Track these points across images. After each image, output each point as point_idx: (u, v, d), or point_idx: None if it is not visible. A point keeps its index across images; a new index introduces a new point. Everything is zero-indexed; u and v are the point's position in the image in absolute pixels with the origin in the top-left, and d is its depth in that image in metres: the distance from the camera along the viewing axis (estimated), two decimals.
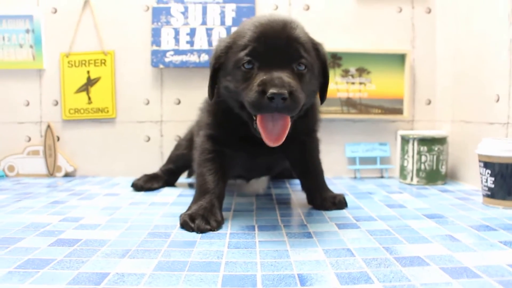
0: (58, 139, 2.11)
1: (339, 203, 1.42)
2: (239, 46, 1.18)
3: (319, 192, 1.46)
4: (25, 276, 0.84)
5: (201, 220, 1.17)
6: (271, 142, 1.12)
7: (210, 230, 1.16)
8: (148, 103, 2.08)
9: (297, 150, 1.45)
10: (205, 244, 1.04)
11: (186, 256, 0.96)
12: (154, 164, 2.04)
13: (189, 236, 1.12)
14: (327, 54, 1.32)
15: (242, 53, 1.16)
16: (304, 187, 1.50)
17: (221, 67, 1.25)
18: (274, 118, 1.13)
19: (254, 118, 1.16)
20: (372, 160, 2.07)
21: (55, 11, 2.08)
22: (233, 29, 1.97)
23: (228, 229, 1.18)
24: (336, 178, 2.03)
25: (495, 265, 0.89)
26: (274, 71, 1.12)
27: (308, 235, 1.11)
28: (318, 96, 1.37)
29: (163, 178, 1.84)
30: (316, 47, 1.26)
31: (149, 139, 2.09)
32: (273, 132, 1.13)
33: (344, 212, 1.37)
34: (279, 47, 1.14)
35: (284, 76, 1.11)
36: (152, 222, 1.25)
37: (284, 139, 1.13)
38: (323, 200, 1.43)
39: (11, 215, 1.34)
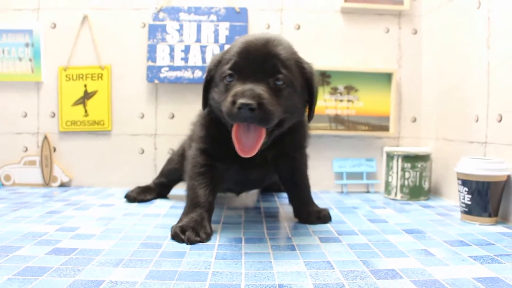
0: (55, 150, 2.17)
1: (323, 217, 1.49)
2: (225, 60, 1.27)
3: (304, 206, 1.52)
4: (24, 283, 0.90)
5: (191, 232, 1.23)
6: (243, 153, 1.20)
7: (200, 241, 1.22)
8: (143, 116, 2.15)
9: (286, 165, 1.50)
10: (194, 255, 1.11)
11: (176, 266, 1.02)
12: (148, 176, 2.10)
13: (179, 247, 1.18)
14: (314, 73, 1.36)
15: (226, 67, 1.24)
16: (291, 201, 1.56)
17: (212, 79, 1.34)
18: (248, 130, 1.21)
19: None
20: (359, 175, 2.14)
21: (54, 26, 2.15)
22: (226, 47, 2.05)
23: (216, 240, 1.24)
24: (323, 192, 2.09)
25: (463, 278, 0.95)
26: (249, 83, 1.19)
27: (292, 248, 1.18)
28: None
29: (155, 190, 1.90)
30: (300, 65, 1.31)
31: (143, 151, 2.15)
32: (246, 143, 1.20)
33: (328, 226, 1.44)
34: (257, 62, 1.21)
35: (257, 88, 1.17)
36: (145, 233, 1.31)
37: (256, 151, 1.20)
38: (308, 214, 1.50)
39: (9, 224, 1.40)
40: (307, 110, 1.38)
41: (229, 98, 1.17)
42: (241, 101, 1.13)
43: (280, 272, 0.98)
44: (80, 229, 1.35)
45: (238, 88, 1.18)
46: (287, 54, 1.26)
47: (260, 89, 1.17)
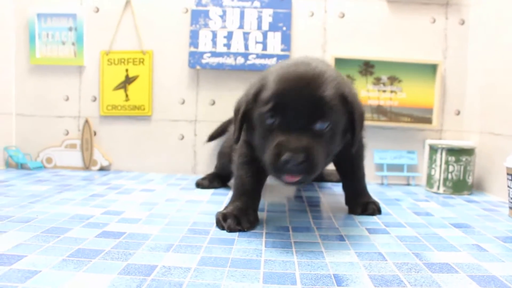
0: (95, 133, 2.19)
1: (371, 210, 1.47)
2: (264, 98, 1.14)
3: (354, 197, 1.52)
4: (78, 265, 0.90)
5: (232, 220, 1.22)
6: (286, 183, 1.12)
7: (240, 230, 1.21)
8: (183, 102, 2.14)
9: (342, 155, 1.43)
10: (243, 243, 1.10)
11: (227, 253, 1.02)
12: (187, 162, 2.11)
13: (227, 234, 1.17)
14: (357, 103, 1.24)
15: (265, 108, 1.12)
16: (343, 189, 1.55)
17: (248, 113, 1.23)
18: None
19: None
20: (399, 168, 2.11)
21: (97, 10, 2.16)
22: (269, 34, 2.03)
23: (263, 229, 1.23)
24: None
25: None
26: (293, 132, 1.08)
27: (341, 238, 1.16)
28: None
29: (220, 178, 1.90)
30: (344, 100, 1.17)
31: (183, 137, 2.15)
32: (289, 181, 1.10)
33: (374, 217, 1.42)
34: (300, 105, 1.09)
35: (303, 139, 1.07)
36: (190, 219, 1.31)
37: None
38: (356, 205, 1.49)
39: (56, 206, 1.41)
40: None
41: (273, 150, 1.07)
42: (288, 156, 1.03)
43: (332, 262, 0.97)
44: (125, 213, 1.36)
45: (281, 137, 1.08)
46: (332, 94, 1.13)
47: (306, 139, 1.07)
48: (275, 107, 1.10)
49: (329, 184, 2.02)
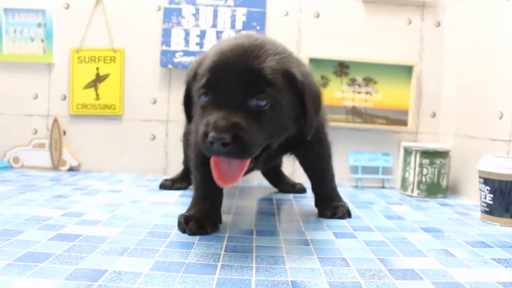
0: (64, 133, 2.13)
1: (340, 213, 1.42)
2: (199, 74, 1.07)
3: (323, 199, 1.47)
4: (23, 269, 0.85)
5: (194, 223, 1.17)
6: (222, 183, 1.03)
7: (203, 234, 1.16)
8: (155, 102, 2.10)
9: (305, 155, 1.43)
10: (203, 246, 1.06)
11: (184, 257, 0.97)
12: (158, 163, 2.06)
13: (187, 237, 1.13)
14: (309, 83, 1.12)
15: (200, 84, 1.04)
16: (313, 191, 1.51)
17: (190, 94, 1.17)
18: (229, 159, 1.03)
19: None
20: (374, 170, 2.08)
21: (68, 7, 2.10)
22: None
23: (226, 232, 1.20)
24: (338, 186, 2.03)
25: (487, 282, 0.90)
26: (224, 109, 0.99)
27: (305, 242, 1.13)
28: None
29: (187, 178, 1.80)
30: (290, 76, 1.07)
31: (154, 137, 2.11)
32: (226, 173, 1.03)
33: (343, 221, 1.38)
34: (233, 80, 1.00)
35: (232, 117, 0.97)
36: (152, 221, 1.27)
37: (239, 179, 1.04)
38: (324, 208, 1.45)
39: (14, 207, 1.36)
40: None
41: (202, 128, 0.99)
42: (212, 135, 0.95)
43: (293, 268, 0.93)
44: (86, 214, 1.31)
45: (211, 115, 0.99)
46: (272, 67, 1.02)
47: (237, 116, 0.98)
48: (208, 83, 1.02)
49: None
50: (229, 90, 1.00)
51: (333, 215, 1.42)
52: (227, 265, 0.94)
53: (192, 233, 1.16)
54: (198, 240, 1.11)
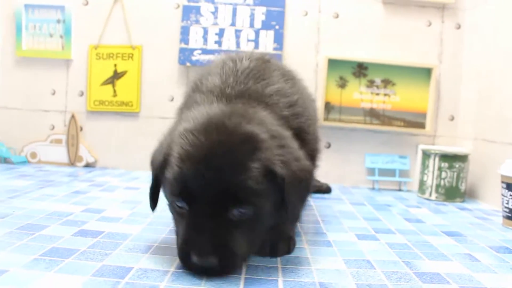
0: (81, 129, 2.14)
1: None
2: (168, 177, 0.90)
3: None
4: (50, 264, 0.85)
5: None
6: None
7: None
8: (172, 99, 2.10)
9: None
10: None
11: None
12: None
13: None
14: (293, 173, 0.90)
15: (171, 189, 0.89)
16: None
17: (159, 181, 0.98)
18: None
19: None
20: (391, 172, 2.07)
21: (87, 3, 2.11)
22: (261, 32, 1.99)
23: None
24: (354, 187, 2.03)
25: None
26: (203, 222, 0.85)
27: (328, 244, 1.12)
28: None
29: None
30: (272, 175, 0.87)
31: None
32: None
33: (363, 222, 1.37)
34: (210, 193, 0.84)
35: (215, 233, 0.84)
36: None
37: None
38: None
39: (35, 202, 1.36)
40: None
41: (181, 245, 0.88)
42: (195, 259, 0.83)
43: (318, 269, 0.92)
44: (106, 211, 1.31)
45: (189, 230, 0.86)
46: (253, 175, 0.85)
47: (219, 231, 0.84)
48: (182, 191, 0.86)
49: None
50: (205, 203, 0.84)
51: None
52: (252, 265, 0.93)
53: None
54: None
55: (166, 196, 0.95)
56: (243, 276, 0.86)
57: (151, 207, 1.03)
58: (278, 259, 0.98)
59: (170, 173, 0.88)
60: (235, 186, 0.84)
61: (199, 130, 0.89)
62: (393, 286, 0.86)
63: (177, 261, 0.92)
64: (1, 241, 0.98)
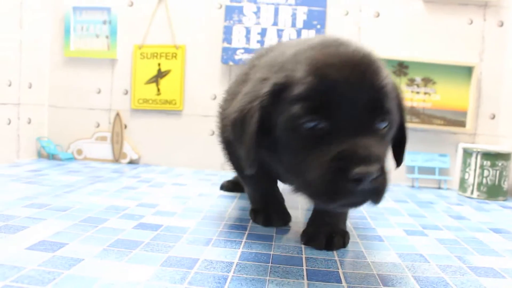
0: (126, 127, 2.19)
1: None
2: (296, 95, 0.80)
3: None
4: (120, 255, 0.90)
5: (261, 216, 1.21)
6: None
7: (269, 226, 1.19)
8: (215, 98, 2.14)
9: None
10: (282, 239, 1.09)
11: (267, 249, 1.00)
12: (216, 158, 2.10)
13: (265, 230, 1.16)
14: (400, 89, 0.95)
15: (299, 107, 0.79)
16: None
17: (264, 121, 0.85)
18: None
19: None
20: (430, 171, 2.08)
21: (131, 4, 2.16)
22: (303, 32, 2.02)
23: (300, 226, 1.22)
24: (394, 185, 2.05)
25: None
26: (356, 136, 0.77)
27: (379, 239, 1.15)
28: None
29: None
30: (396, 91, 0.91)
31: (213, 133, 2.15)
32: None
33: (409, 218, 1.39)
34: (354, 100, 0.78)
35: (372, 145, 0.77)
36: (225, 214, 1.30)
37: None
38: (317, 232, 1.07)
39: (90, 196, 1.41)
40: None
41: (332, 165, 0.76)
42: (360, 170, 0.73)
43: (375, 262, 0.95)
44: (159, 206, 1.36)
45: (339, 145, 0.76)
46: (390, 83, 0.85)
47: (373, 144, 0.78)
48: (324, 104, 0.77)
49: None
50: (352, 114, 0.78)
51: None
52: (311, 257, 0.96)
53: (262, 225, 1.19)
54: (276, 233, 1.14)
55: (283, 126, 0.82)
56: (304, 267, 0.90)
57: (248, 166, 0.89)
58: (335, 252, 1.01)
59: (297, 89, 0.79)
60: (383, 95, 0.80)
61: (319, 45, 0.84)
62: (450, 279, 0.88)
63: (239, 253, 0.96)
64: (68, 232, 1.03)
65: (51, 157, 2.16)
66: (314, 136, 0.78)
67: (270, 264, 0.90)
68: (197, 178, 1.89)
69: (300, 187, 0.84)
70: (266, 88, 0.85)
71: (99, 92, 2.20)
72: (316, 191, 0.79)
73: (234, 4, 2.08)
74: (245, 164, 0.89)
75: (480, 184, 1.84)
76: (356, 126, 0.78)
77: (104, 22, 2.16)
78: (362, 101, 0.78)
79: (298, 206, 1.48)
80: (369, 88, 0.79)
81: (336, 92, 0.77)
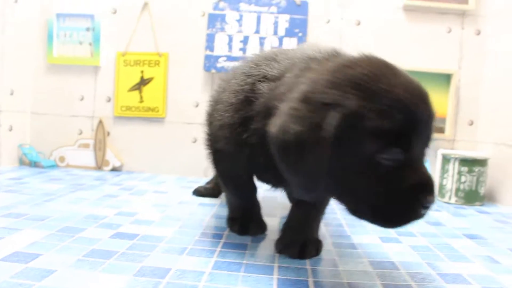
0: (108, 134, 2.20)
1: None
2: (373, 127, 0.76)
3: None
4: (94, 265, 0.91)
5: (238, 225, 1.23)
6: None
7: (245, 235, 1.21)
8: (197, 105, 2.15)
9: None
10: (256, 248, 1.10)
11: (241, 258, 1.02)
12: (199, 165, 2.11)
13: (240, 238, 1.18)
14: None
15: (378, 140, 0.76)
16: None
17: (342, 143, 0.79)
18: None
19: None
20: None
21: (115, 12, 2.17)
22: (285, 40, 2.03)
23: (276, 234, 1.24)
24: None
25: None
26: (421, 164, 0.82)
27: (354, 246, 1.17)
28: None
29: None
30: None
31: (196, 140, 2.16)
32: None
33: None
34: (426, 131, 0.81)
35: (426, 171, 0.82)
36: (203, 223, 1.32)
37: None
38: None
39: (69, 205, 1.42)
40: None
41: (406, 193, 0.78)
42: (431, 199, 0.79)
43: (346, 271, 0.97)
44: (138, 214, 1.37)
45: (413, 173, 0.79)
46: None
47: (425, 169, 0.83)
48: (402, 139, 0.77)
49: None
50: (422, 143, 0.81)
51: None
52: (283, 266, 0.98)
53: (237, 233, 1.21)
54: (251, 242, 1.15)
55: (351, 154, 0.79)
56: (275, 276, 0.91)
57: (309, 188, 0.83)
58: (307, 261, 1.03)
59: (379, 123, 0.75)
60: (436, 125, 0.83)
61: (386, 72, 0.83)
62: (417, 286, 0.90)
63: (213, 262, 0.97)
64: (44, 242, 1.04)
65: (33, 164, 2.16)
66: (387, 166, 0.78)
67: (241, 273, 0.92)
68: (179, 186, 1.90)
69: (364, 211, 0.83)
70: (334, 118, 0.77)
71: (82, 99, 2.21)
72: (389, 216, 0.81)
73: (217, 12, 2.10)
74: (303, 191, 0.85)
75: (457, 189, 1.86)
76: (422, 154, 0.82)
77: (88, 29, 2.17)
78: (429, 131, 0.82)
79: (276, 214, 1.49)
80: (433, 118, 0.81)
81: (417, 126, 0.78)
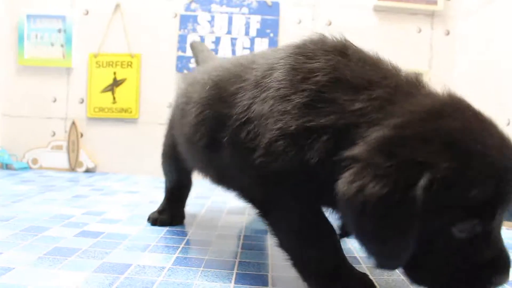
0: (82, 135, 2.19)
1: None
2: (467, 195, 0.65)
3: None
4: (54, 262, 0.91)
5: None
6: None
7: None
8: (170, 106, 2.15)
9: None
10: (220, 245, 1.11)
11: (203, 254, 1.02)
12: None
13: (205, 235, 1.18)
14: None
15: (463, 209, 0.66)
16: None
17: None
18: None
19: None
20: None
21: (87, 13, 2.17)
22: (256, 40, 2.04)
23: (242, 231, 1.25)
24: None
25: None
26: (499, 237, 0.72)
27: None
28: None
29: None
30: None
31: None
32: None
33: None
34: None
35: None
36: None
37: None
38: None
39: (37, 205, 1.42)
40: None
41: (476, 270, 0.70)
42: (500, 280, 0.70)
43: None
44: (106, 214, 1.37)
45: (488, 247, 0.70)
46: None
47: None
48: (490, 211, 0.68)
49: None
50: (502, 213, 0.71)
51: None
52: (244, 261, 0.99)
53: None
54: (216, 239, 1.16)
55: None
56: (234, 271, 0.92)
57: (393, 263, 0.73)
58: (269, 256, 1.03)
59: (468, 192, 0.65)
60: None
61: (479, 128, 0.76)
62: (376, 279, 0.91)
63: (174, 258, 0.97)
64: (6, 242, 1.03)
65: (5, 166, 2.15)
66: (463, 240, 0.69)
67: (201, 269, 0.92)
68: (152, 186, 1.90)
69: (428, 280, 0.74)
70: (427, 179, 0.65)
71: (54, 100, 2.20)
72: None
73: (189, 13, 2.10)
74: (384, 259, 0.72)
75: None
76: (500, 224, 0.72)
77: (59, 31, 2.16)
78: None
79: (244, 212, 1.50)
80: None
81: (506, 197, 0.68)
